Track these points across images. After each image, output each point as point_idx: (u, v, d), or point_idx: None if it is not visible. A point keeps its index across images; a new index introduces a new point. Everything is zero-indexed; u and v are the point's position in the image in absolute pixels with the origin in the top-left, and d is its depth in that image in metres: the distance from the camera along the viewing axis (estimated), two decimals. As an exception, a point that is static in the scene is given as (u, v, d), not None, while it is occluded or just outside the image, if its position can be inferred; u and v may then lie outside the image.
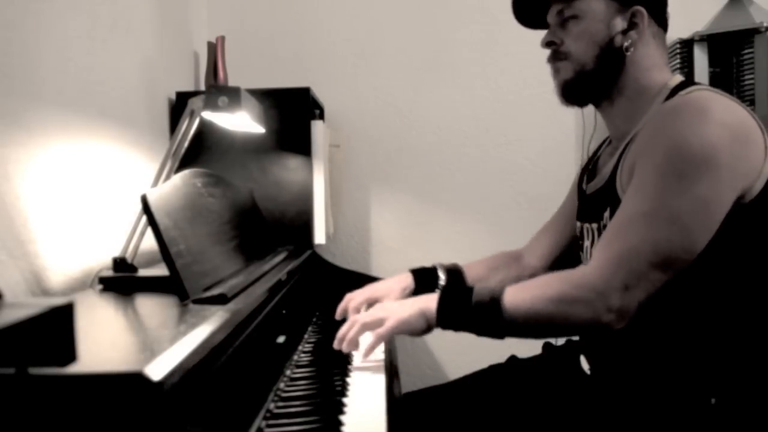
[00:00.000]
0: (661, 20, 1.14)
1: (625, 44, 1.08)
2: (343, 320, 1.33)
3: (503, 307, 0.98)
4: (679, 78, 1.11)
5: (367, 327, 1.06)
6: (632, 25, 1.09)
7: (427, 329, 1.04)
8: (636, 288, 0.94)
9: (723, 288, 0.98)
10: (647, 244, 0.94)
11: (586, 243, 1.19)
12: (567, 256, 1.36)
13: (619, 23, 1.09)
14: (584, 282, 0.96)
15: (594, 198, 1.16)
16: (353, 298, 1.32)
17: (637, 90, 1.10)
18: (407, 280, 1.34)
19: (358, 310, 1.30)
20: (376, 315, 1.06)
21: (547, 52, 1.17)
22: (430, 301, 1.04)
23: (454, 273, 1.36)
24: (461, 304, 1.02)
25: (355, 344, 1.06)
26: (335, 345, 1.08)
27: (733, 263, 0.98)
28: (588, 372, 1.15)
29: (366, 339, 1.06)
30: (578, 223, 1.23)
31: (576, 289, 0.96)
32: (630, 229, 0.96)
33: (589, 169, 1.25)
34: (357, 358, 1.15)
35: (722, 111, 0.97)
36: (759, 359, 0.99)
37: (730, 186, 0.95)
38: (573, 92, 1.14)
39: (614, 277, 0.94)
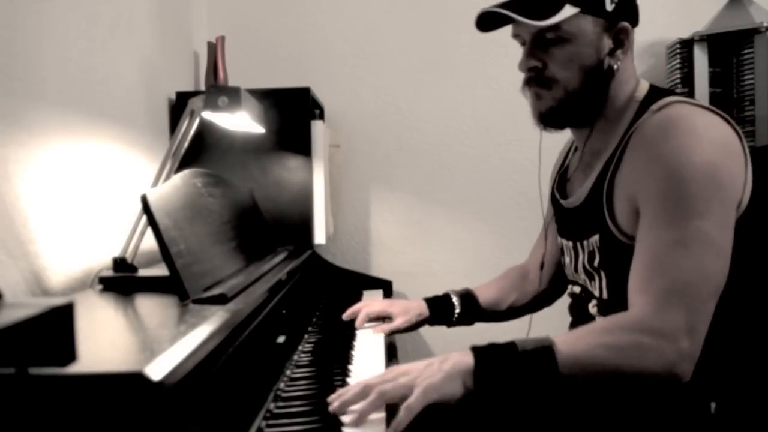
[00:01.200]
0: (637, 23, 1.08)
1: (615, 66, 1.03)
2: (346, 323, 1.34)
3: (558, 355, 0.86)
4: (644, 86, 1.07)
5: (387, 397, 0.85)
6: (619, 42, 1.04)
7: (464, 393, 0.87)
8: (699, 326, 0.88)
9: (724, 295, 0.97)
10: (694, 272, 0.88)
11: (566, 259, 1.17)
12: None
13: (607, 43, 1.03)
14: (646, 327, 0.87)
15: (574, 216, 1.13)
16: (369, 305, 1.33)
17: (613, 107, 1.06)
18: (423, 308, 1.33)
19: (364, 321, 1.30)
20: (398, 382, 0.86)
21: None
22: (463, 357, 0.88)
23: (467, 298, 1.35)
24: (506, 356, 0.87)
25: (366, 418, 0.83)
26: (332, 407, 0.85)
27: (733, 272, 0.95)
28: None
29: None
30: (559, 239, 1.21)
31: (641, 335, 0.87)
32: (667, 261, 0.89)
33: (558, 182, 1.21)
34: (357, 359, 1.15)
35: (707, 127, 0.95)
36: (759, 365, 0.99)
37: (734, 202, 0.94)
38: (556, 118, 1.08)
39: (675, 317, 0.86)
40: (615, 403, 1.02)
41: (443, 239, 2.19)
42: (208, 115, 1.23)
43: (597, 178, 1.06)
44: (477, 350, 0.88)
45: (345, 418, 0.84)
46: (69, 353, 0.44)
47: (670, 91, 1.06)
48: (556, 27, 1.01)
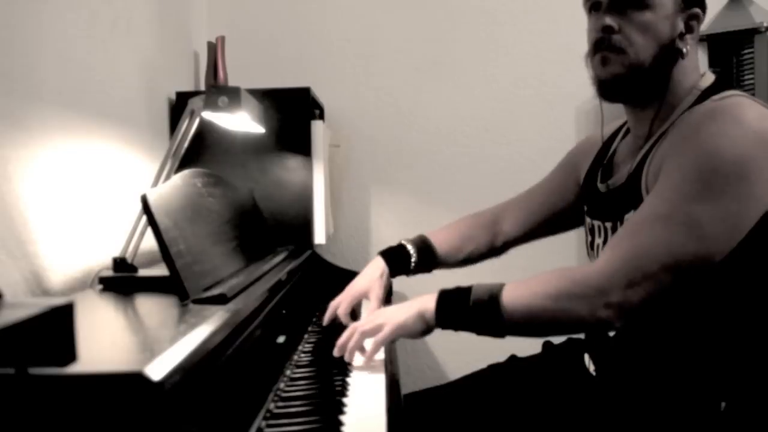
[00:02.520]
0: (704, 14, 1.08)
1: (684, 49, 1.03)
2: (339, 324, 1.34)
3: (502, 305, 0.97)
4: (710, 78, 1.07)
5: (366, 334, 1.05)
6: (688, 27, 1.04)
7: (426, 330, 1.04)
8: (639, 286, 0.92)
9: (736, 293, 0.97)
10: (661, 245, 0.92)
11: (598, 240, 1.15)
12: (546, 230, 1.38)
13: (680, 25, 1.03)
14: (585, 279, 0.94)
15: (611, 196, 1.12)
16: (339, 303, 1.29)
17: (673, 93, 1.05)
18: (380, 265, 1.33)
19: (347, 315, 1.29)
20: (374, 321, 1.05)
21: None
22: (427, 302, 1.03)
23: (423, 247, 1.36)
24: (460, 303, 1.01)
25: (354, 353, 1.07)
26: (335, 353, 1.07)
27: (749, 270, 0.96)
28: (593, 373, 1.14)
29: (366, 344, 1.07)
30: (588, 220, 1.20)
31: (576, 285, 0.94)
32: (644, 229, 0.94)
33: (603, 165, 1.19)
34: (357, 359, 1.15)
35: (758, 120, 0.94)
36: None
37: (759, 201, 0.92)
38: (620, 88, 1.06)
39: (617, 273, 0.92)
40: (626, 402, 1.03)
41: (443, 239, 2.18)
42: (208, 115, 1.23)
43: (641, 158, 1.06)
44: (440, 295, 1.03)
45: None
46: (69, 353, 0.44)
47: (735, 86, 1.06)
48: None
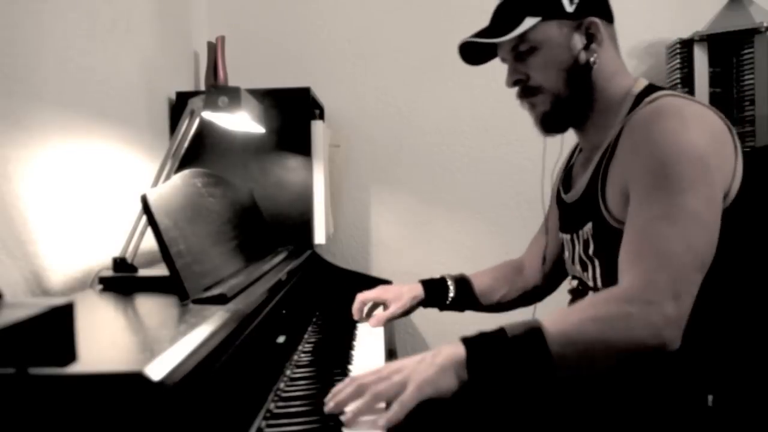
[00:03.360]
0: (610, 17, 1.11)
1: (591, 59, 1.07)
2: (346, 323, 1.35)
3: (547, 335, 0.85)
4: (642, 83, 1.10)
5: (381, 397, 0.85)
6: (590, 37, 1.07)
7: (458, 384, 0.86)
8: (684, 294, 0.88)
9: (717, 288, 0.98)
10: (679, 243, 0.89)
11: (566, 254, 1.19)
12: (562, 264, 1.32)
13: (579, 40, 1.07)
14: (632, 296, 0.87)
15: (573, 209, 1.15)
16: (360, 296, 1.36)
17: (605, 101, 1.09)
18: (417, 290, 1.35)
19: (364, 305, 1.32)
20: (392, 380, 0.85)
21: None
22: (455, 349, 0.87)
23: (462, 283, 1.37)
24: (496, 343, 0.86)
25: (357, 418, 0.84)
26: (328, 407, 0.85)
27: (725, 264, 0.97)
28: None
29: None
30: (560, 234, 1.23)
31: (627, 305, 0.86)
32: (654, 233, 0.91)
33: (563, 179, 1.24)
34: (357, 359, 1.15)
35: (696, 115, 0.97)
36: (756, 358, 0.99)
37: (720, 187, 0.95)
38: (554, 122, 1.12)
39: (660, 283, 0.87)
40: (613, 397, 1.03)
41: (443, 239, 2.19)
42: (208, 115, 1.23)
43: (594, 170, 1.09)
44: (467, 340, 0.88)
45: (344, 417, 0.83)
46: (69, 353, 0.44)
47: (666, 88, 1.08)
48: (524, 39, 1.08)
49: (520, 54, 1.10)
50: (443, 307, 1.38)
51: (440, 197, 2.19)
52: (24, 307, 0.42)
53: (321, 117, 1.91)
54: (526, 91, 1.12)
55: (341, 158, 2.10)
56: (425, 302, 1.36)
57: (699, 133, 0.94)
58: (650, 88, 1.08)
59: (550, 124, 1.13)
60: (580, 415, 1.06)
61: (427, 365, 0.86)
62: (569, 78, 1.08)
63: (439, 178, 2.19)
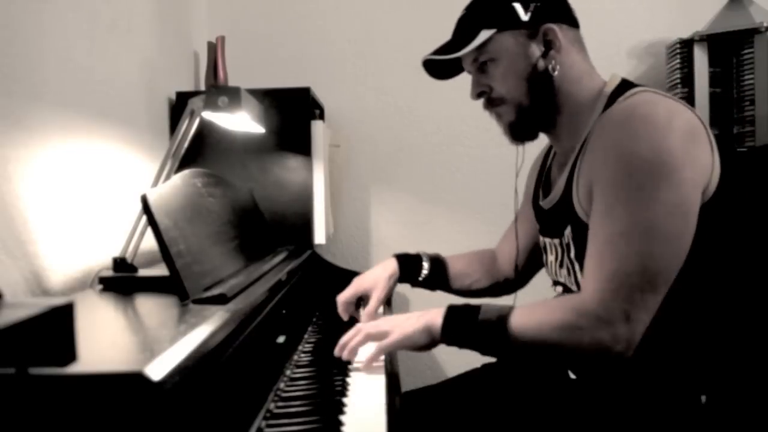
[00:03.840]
0: (571, 21, 1.11)
1: (549, 66, 1.07)
2: (346, 323, 1.34)
3: (510, 329, 0.96)
4: (615, 80, 1.09)
5: (370, 338, 1.05)
6: (548, 44, 1.07)
7: (431, 344, 1.03)
8: (636, 315, 0.92)
9: (706, 287, 0.98)
10: (633, 262, 0.92)
11: (550, 258, 1.18)
12: (534, 259, 1.34)
13: (536, 49, 1.07)
14: (586, 310, 0.93)
15: (552, 214, 1.15)
16: (341, 298, 1.34)
17: (574, 104, 1.09)
18: (392, 267, 1.35)
19: (347, 305, 1.32)
20: (381, 327, 1.05)
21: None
22: (435, 316, 1.02)
23: (437, 264, 1.38)
24: (467, 321, 0.99)
25: (355, 353, 1.06)
26: (336, 352, 1.07)
27: (710, 261, 0.97)
28: (573, 377, 1.14)
29: (368, 348, 1.06)
30: (541, 238, 1.23)
31: (581, 318, 0.93)
32: (611, 251, 0.94)
33: (542, 182, 1.24)
34: (357, 358, 1.15)
35: (667, 113, 0.96)
36: (748, 357, 0.99)
37: (693, 185, 0.94)
38: (521, 131, 1.14)
39: (612, 305, 0.92)
40: (607, 396, 1.03)
41: (443, 239, 2.18)
42: (208, 115, 1.23)
43: (569, 173, 1.09)
44: (448, 311, 1.01)
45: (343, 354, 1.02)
46: (69, 353, 0.44)
47: (639, 85, 1.07)
48: (483, 51, 1.09)
49: (481, 66, 1.12)
50: (415, 283, 1.39)
51: (440, 197, 2.19)
52: (24, 307, 0.42)
53: (321, 117, 1.91)
54: (491, 102, 1.14)
55: (341, 158, 2.11)
56: (400, 279, 1.36)
57: (669, 135, 0.93)
58: (623, 86, 1.06)
59: (517, 133, 1.15)
60: (574, 414, 1.06)
61: (412, 322, 1.03)
62: (530, 87, 1.08)
63: (439, 178, 2.19)
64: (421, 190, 2.19)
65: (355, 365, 1.08)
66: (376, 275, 1.34)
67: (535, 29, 1.07)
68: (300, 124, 1.77)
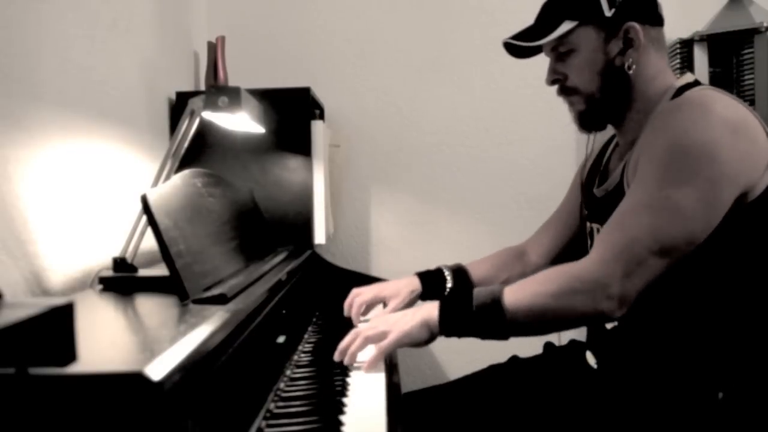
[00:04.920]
0: (654, 20, 1.12)
1: (627, 64, 1.09)
2: (346, 323, 1.34)
3: (504, 307, 0.99)
4: (687, 78, 1.11)
5: (369, 340, 1.05)
6: (628, 42, 1.08)
7: (430, 339, 1.04)
8: (635, 275, 0.95)
9: (730, 283, 0.99)
10: (647, 232, 0.95)
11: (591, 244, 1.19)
12: (570, 252, 1.36)
13: (615, 45, 1.09)
14: (584, 273, 0.97)
15: (606, 201, 1.16)
16: (360, 293, 1.33)
17: (645, 101, 1.11)
18: (415, 283, 1.34)
19: (362, 307, 1.31)
20: (378, 328, 1.05)
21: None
22: (431, 310, 1.04)
23: (460, 273, 1.37)
24: (462, 309, 1.01)
25: (355, 357, 1.05)
26: (336, 357, 1.07)
27: (740, 259, 0.98)
28: (595, 366, 1.15)
29: (368, 350, 1.06)
30: (589, 224, 1.23)
31: (576, 281, 0.97)
32: (630, 219, 0.98)
33: (600, 172, 1.25)
34: (357, 358, 1.15)
35: (724, 107, 0.98)
36: (766, 354, 0.99)
37: (732, 182, 0.95)
38: (590, 121, 1.16)
39: (615, 265, 0.95)
40: (624, 392, 1.04)
41: (443, 239, 2.18)
42: (208, 115, 1.23)
43: (625, 161, 1.11)
44: (441, 303, 1.04)
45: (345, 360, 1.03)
46: (69, 353, 0.44)
47: (708, 86, 1.09)
48: (563, 41, 1.11)
49: (560, 55, 1.13)
50: (441, 298, 1.37)
51: (440, 197, 2.19)
52: (24, 307, 0.42)
53: (321, 117, 1.91)
54: (564, 90, 1.16)
55: (341, 158, 2.11)
56: (423, 295, 1.35)
57: (719, 127, 0.95)
58: (693, 84, 1.09)
59: (586, 123, 1.17)
60: (593, 415, 1.06)
61: (408, 319, 1.04)
62: (604, 81, 1.10)
63: (439, 178, 2.19)
64: (421, 190, 2.19)
65: (356, 366, 1.08)
66: (398, 286, 1.34)
67: (617, 26, 1.08)
68: (300, 124, 1.77)
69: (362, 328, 1.08)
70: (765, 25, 1.82)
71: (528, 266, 1.40)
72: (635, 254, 0.95)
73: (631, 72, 1.09)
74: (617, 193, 1.11)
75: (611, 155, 1.24)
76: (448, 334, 1.03)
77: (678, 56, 1.93)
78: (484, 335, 1.01)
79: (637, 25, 1.08)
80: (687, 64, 1.92)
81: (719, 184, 0.95)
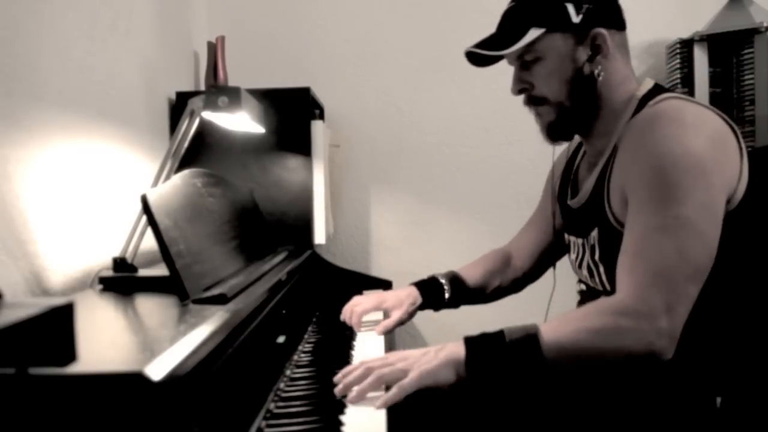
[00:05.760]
0: (620, 25, 1.10)
1: (596, 71, 1.06)
2: (346, 324, 1.34)
3: (543, 343, 0.90)
4: (647, 85, 1.09)
5: (384, 380, 0.91)
6: (595, 48, 1.06)
7: (455, 381, 0.92)
8: (678, 306, 0.90)
9: (724, 290, 0.98)
10: (673, 256, 0.91)
11: (572, 256, 1.19)
12: (551, 257, 1.36)
13: (583, 53, 1.07)
14: (625, 309, 0.90)
15: (579, 213, 1.16)
16: (360, 303, 1.32)
17: (610, 108, 1.09)
18: (414, 294, 1.33)
19: (362, 317, 1.30)
20: (395, 366, 0.92)
21: None
22: (457, 348, 0.92)
23: (455, 281, 1.36)
24: (494, 346, 0.91)
25: (364, 396, 0.90)
26: (337, 391, 0.92)
27: (732, 267, 0.97)
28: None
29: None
30: (566, 235, 1.23)
31: (620, 317, 0.90)
32: (649, 246, 0.93)
33: (571, 181, 1.24)
34: (357, 359, 1.15)
35: (695, 117, 0.97)
36: (764, 360, 0.99)
37: (721, 189, 0.95)
38: (559, 131, 1.13)
39: (654, 298, 0.89)
40: (620, 398, 1.03)
41: (443, 239, 2.18)
42: (208, 115, 1.23)
43: (599, 175, 1.09)
44: (468, 341, 0.93)
45: (349, 396, 0.90)
46: (69, 353, 0.44)
47: (671, 90, 1.08)
48: (529, 49, 1.08)
49: (525, 63, 1.10)
50: (439, 307, 1.37)
51: (440, 197, 2.19)
52: (24, 307, 0.42)
53: (321, 117, 1.91)
54: (532, 100, 1.13)
55: (341, 158, 2.11)
56: (422, 305, 1.34)
57: (697, 138, 0.94)
58: (655, 90, 1.07)
59: (555, 133, 1.14)
60: (589, 416, 1.06)
61: (430, 358, 0.92)
62: (572, 89, 1.08)
63: (439, 178, 2.19)
64: (421, 190, 2.19)
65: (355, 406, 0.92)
66: (400, 297, 1.32)
67: (585, 33, 1.06)
68: (300, 124, 1.77)
69: (373, 362, 0.94)
70: (765, 25, 1.82)
71: (516, 270, 1.40)
72: (672, 284, 0.89)
73: (600, 79, 1.07)
74: (590, 209, 1.10)
75: (580, 163, 1.23)
76: (477, 376, 0.91)
77: (678, 56, 1.93)
78: (519, 375, 0.90)
79: (604, 31, 1.06)
80: (687, 64, 1.92)
81: (714, 193, 0.94)
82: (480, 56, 1.14)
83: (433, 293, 1.34)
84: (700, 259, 0.92)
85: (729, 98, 1.92)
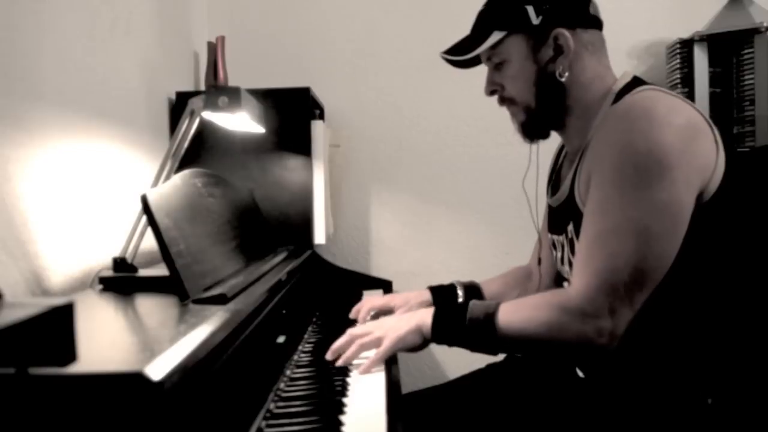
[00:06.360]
0: (586, 23, 1.09)
1: (558, 71, 1.07)
2: (346, 323, 1.35)
3: (497, 325, 1.00)
4: (625, 79, 1.08)
5: (364, 348, 1.06)
6: (558, 48, 1.06)
7: (423, 344, 1.06)
8: (623, 308, 0.94)
9: (712, 288, 0.98)
10: (624, 260, 0.93)
11: (558, 254, 1.19)
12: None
13: (545, 53, 1.07)
14: (573, 308, 0.96)
15: (559, 211, 1.16)
16: (371, 301, 1.36)
17: (583, 107, 1.09)
18: (425, 296, 1.35)
19: (370, 312, 1.33)
20: (373, 334, 1.06)
21: None
22: (425, 317, 1.05)
23: (472, 290, 1.37)
24: (456, 320, 1.03)
25: (350, 362, 1.06)
26: (328, 356, 1.08)
27: (712, 262, 0.97)
28: (582, 375, 1.14)
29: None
30: (549, 235, 1.24)
31: (566, 315, 0.96)
32: (602, 247, 0.96)
33: (552, 181, 1.25)
34: (357, 359, 1.15)
35: (667, 110, 0.96)
36: (755, 359, 0.99)
37: (688, 185, 0.94)
38: (531, 130, 1.15)
39: (600, 300, 0.94)
40: (613, 398, 1.03)
41: (443, 239, 2.18)
42: (208, 115, 1.23)
43: (574, 171, 1.09)
44: (436, 311, 1.06)
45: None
46: (69, 353, 0.44)
47: (648, 83, 1.07)
48: (495, 52, 1.11)
49: (495, 65, 1.13)
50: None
51: (440, 197, 2.19)
52: (24, 307, 0.42)
53: (321, 117, 1.91)
54: (503, 100, 1.15)
55: (341, 158, 2.11)
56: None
57: (663, 131, 0.93)
58: (633, 83, 1.06)
59: (528, 133, 1.16)
60: (580, 415, 1.06)
61: (402, 325, 1.06)
62: (538, 90, 1.09)
63: (439, 178, 2.19)
64: (421, 190, 2.19)
65: (355, 364, 1.08)
66: (408, 298, 1.35)
67: (545, 34, 1.06)
68: (300, 124, 1.77)
69: (356, 331, 1.09)
70: (765, 25, 1.82)
71: (534, 285, 1.39)
72: (617, 291, 0.94)
73: (563, 79, 1.06)
74: (567, 204, 1.10)
75: (562, 162, 1.24)
76: (439, 342, 1.05)
77: (678, 56, 1.93)
78: (473, 347, 1.03)
79: (566, 31, 1.05)
80: (687, 64, 1.92)
81: (676, 190, 0.93)
82: (455, 58, 1.17)
83: (446, 298, 1.35)
84: (651, 263, 0.94)
85: (729, 98, 1.92)
